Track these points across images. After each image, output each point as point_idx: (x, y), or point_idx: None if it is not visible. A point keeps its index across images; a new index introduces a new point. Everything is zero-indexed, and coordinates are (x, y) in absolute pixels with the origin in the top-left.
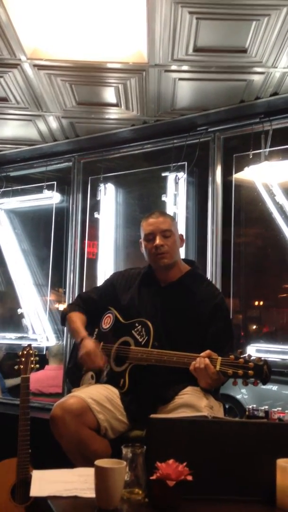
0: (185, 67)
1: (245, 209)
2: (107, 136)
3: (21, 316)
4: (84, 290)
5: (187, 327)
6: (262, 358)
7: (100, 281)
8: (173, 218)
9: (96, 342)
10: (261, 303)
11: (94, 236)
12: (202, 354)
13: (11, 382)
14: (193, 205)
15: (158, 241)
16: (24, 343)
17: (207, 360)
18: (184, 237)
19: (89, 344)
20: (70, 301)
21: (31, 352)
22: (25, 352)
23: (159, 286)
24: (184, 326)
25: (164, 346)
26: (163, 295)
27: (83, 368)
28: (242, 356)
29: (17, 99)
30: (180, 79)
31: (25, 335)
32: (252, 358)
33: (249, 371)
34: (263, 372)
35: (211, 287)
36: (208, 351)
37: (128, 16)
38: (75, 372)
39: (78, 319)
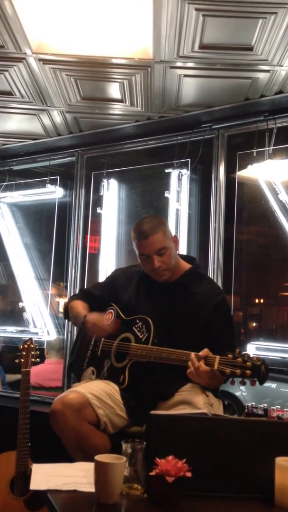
0: (190, 64)
1: (247, 207)
2: (111, 132)
3: (22, 309)
4: (85, 285)
5: (187, 326)
6: (260, 358)
7: (101, 276)
8: (163, 225)
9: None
10: (262, 301)
11: (96, 231)
12: (200, 353)
13: (11, 377)
14: (196, 202)
15: (155, 263)
16: (25, 336)
17: (197, 364)
18: (186, 234)
19: (93, 315)
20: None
21: (32, 346)
22: (26, 346)
23: (159, 284)
24: (184, 325)
25: (165, 343)
26: (163, 293)
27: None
28: (240, 355)
29: (22, 93)
30: (185, 75)
31: (26, 328)
32: (250, 357)
33: (247, 371)
34: (261, 372)
35: (212, 286)
36: (205, 350)
37: (134, 12)
38: (76, 366)
39: (79, 304)
